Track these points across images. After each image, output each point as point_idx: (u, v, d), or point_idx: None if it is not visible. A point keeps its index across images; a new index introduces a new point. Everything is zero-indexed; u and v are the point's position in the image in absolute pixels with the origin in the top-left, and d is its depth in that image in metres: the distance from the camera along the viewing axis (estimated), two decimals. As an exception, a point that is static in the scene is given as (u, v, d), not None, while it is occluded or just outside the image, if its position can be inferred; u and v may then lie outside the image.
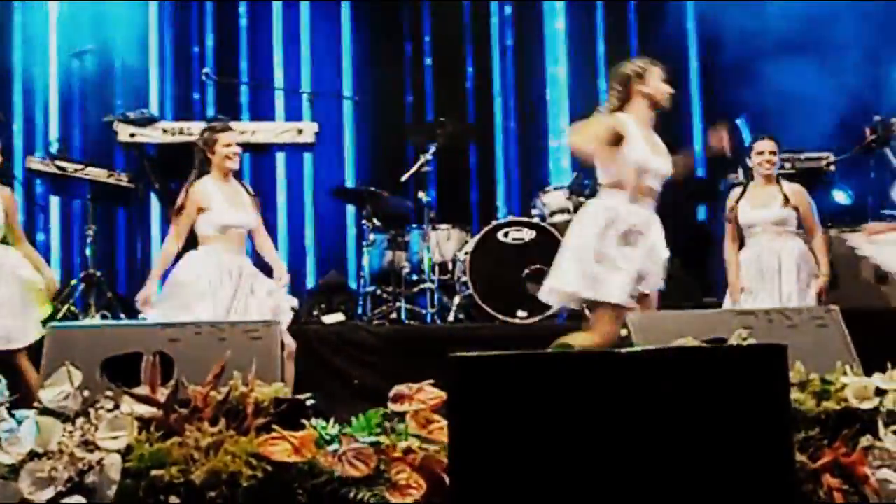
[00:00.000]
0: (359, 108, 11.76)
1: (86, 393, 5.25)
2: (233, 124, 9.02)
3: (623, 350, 4.13)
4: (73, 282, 9.65)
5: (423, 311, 9.60)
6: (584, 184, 9.86)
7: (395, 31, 12.23)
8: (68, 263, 11.44)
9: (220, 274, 7.55)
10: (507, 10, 12.27)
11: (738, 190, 8.57)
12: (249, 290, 7.57)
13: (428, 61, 12.20)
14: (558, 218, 9.63)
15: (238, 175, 8.00)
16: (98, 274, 9.46)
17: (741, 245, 8.43)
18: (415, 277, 9.74)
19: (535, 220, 9.64)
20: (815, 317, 5.91)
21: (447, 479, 4.74)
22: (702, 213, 11.70)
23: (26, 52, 11.76)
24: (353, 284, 10.38)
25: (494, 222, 9.62)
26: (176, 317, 7.42)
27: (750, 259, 8.34)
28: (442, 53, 12.17)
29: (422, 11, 12.21)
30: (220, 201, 7.67)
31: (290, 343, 7.42)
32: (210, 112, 11.32)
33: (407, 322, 9.44)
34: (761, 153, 8.45)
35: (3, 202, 7.67)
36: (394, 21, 12.21)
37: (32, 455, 4.87)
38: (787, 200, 8.31)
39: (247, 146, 9.13)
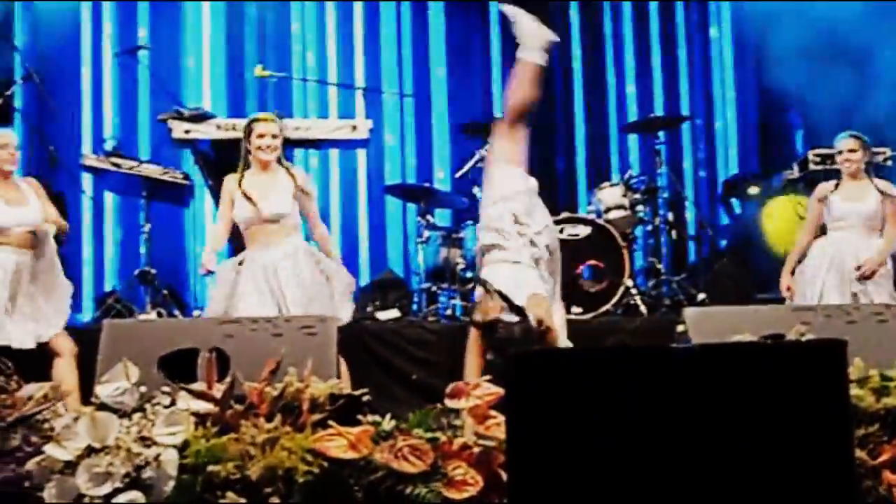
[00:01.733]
0: (413, 104, 11.74)
1: (142, 388, 5.28)
2: (288, 120, 9.08)
3: (680, 346, 4.10)
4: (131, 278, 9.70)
5: (478, 307, 9.57)
6: (640, 180, 9.83)
7: (452, 28, 12.19)
8: (123, 260, 11.49)
9: (247, 275, 7.57)
10: (557, 7, 12.22)
11: (829, 184, 8.54)
12: (282, 295, 7.52)
13: (486, 57, 12.17)
14: (613, 214, 9.61)
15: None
16: (153, 271, 9.49)
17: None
18: (470, 274, 9.71)
19: (591, 216, 9.60)
20: (875, 313, 5.87)
21: (504, 476, 4.73)
22: (737, 207, 11.59)
23: (82, 49, 11.82)
24: (407, 281, 10.37)
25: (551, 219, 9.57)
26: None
27: (827, 250, 8.32)
28: (499, 50, 12.13)
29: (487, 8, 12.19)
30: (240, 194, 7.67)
31: None
32: (264, 109, 11.32)
33: (462, 318, 9.42)
34: (840, 152, 8.48)
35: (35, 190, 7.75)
36: (452, 18, 12.19)
37: (89, 450, 4.89)
38: (882, 195, 8.32)
39: (301, 142, 9.15)
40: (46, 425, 5.09)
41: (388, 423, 5.10)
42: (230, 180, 7.75)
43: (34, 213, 7.58)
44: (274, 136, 7.73)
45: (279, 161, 7.82)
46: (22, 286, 7.47)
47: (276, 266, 7.50)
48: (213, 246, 7.79)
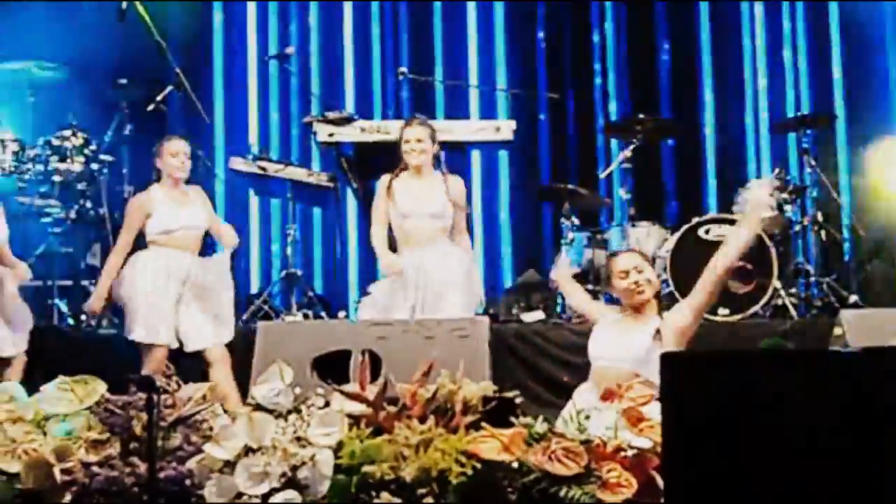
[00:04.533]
0: (555, 105, 11.69)
1: (297, 390, 5.35)
2: (432, 122, 9.12)
3: (839, 349, 4.04)
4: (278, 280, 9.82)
5: (622, 309, 9.51)
6: (787, 179, 9.69)
7: (595, 28, 12.13)
8: (268, 262, 11.63)
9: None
10: (704, 4, 12.07)
11: None
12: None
13: (625, 58, 12.08)
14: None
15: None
16: (298, 273, 9.59)
17: None
18: (615, 274, 9.66)
19: (738, 216, 9.47)
20: None
21: (659, 479, 4.70)
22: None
23: (226, 53, 11.99)
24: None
25: (696, 219, 9.47)
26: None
27: None
28: (638, 50, 12.03)
29: (619, 8, 12.09)
30: (400, 195, 7.87)
31: None
32: (406, 111, 11.38)
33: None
34: None
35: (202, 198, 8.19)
36: (593, 16, 12.13)
37: (247, 450, 4.97)
38: None
39: (443, 144, 9.16)
40: (205, 425, 5.18)
41: (540, 425, 5.10)
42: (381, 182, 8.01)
43: (199, 217, 8.01)
44: (419, 141, 7.88)
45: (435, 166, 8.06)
46: (191, 288, 7.81)
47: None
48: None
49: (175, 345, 7.70)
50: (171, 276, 7.76)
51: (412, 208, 7.82)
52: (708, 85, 11.94)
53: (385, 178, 8.01)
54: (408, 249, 7.83)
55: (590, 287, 9.62)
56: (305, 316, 9.25)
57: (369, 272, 11.40)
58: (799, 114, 10.63)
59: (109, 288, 7.87)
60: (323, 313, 9.45)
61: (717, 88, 11.95)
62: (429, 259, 7.75)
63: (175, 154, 7.96)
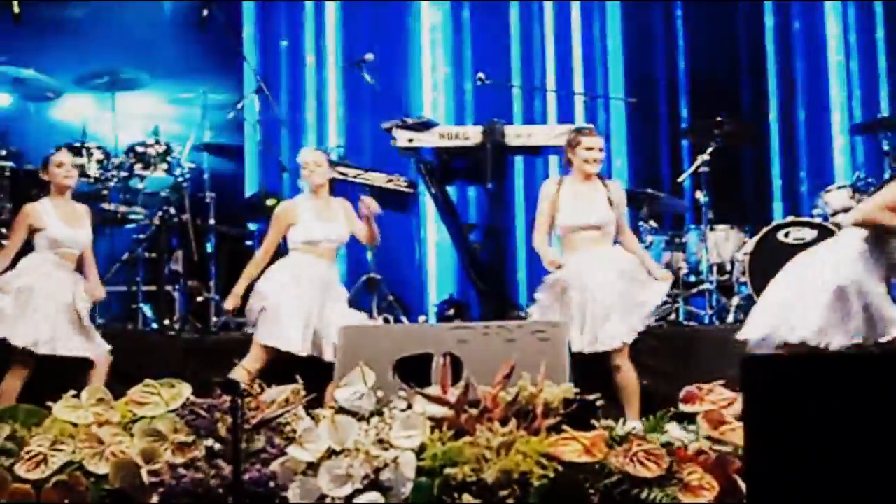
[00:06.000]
0: (633, 109, 11.67)
1: (379, 393, 5.40)
2: (508, 127, 9.12)
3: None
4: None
5: (702, 313, 9.48)
6: (868, 182, 9.61)
7: (669, 31, 12.10)
8: (348, 267, 11.68)
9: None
10: (781, 8, 11.99)
11: None
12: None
13: (701, 60, 12.03)
14: (841, 218, 9.38)
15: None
16: (378, 277, 9.63)
17: None
18: (693, 278, 9.62)
19: (817, 219, 9.41)
20: None
21: (740, 482, 4.70)
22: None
23: (303, 58, 12.08)
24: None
25: (775, 222, 9.43)
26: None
27: None
28: (714, 53, 11.98)
29: (700, 10, 12.04)
30: (565, 201, 7.77)
31: None
32: (485, 116, 11.39)
33: (685, 323, 9.34)
34: None
35: (345, 210, 8.12)
36: (668, 20, 12.09)
37: (330, 452, 5.03)
38: None
39: (521, 149, 9.17)
40: (289, 428, 5.25)
41: (621, 428, 5.12)
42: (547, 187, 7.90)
43: (341, 232, 8.00)
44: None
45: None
46: (328, 298, 7.73)
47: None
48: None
49: (305, 353, 7.35)
50: (312, 285, 7.70)
51: (580, 214, 7.66)
52: (787, 88, 11.88)
53: (550, 184, 7.89)
54: (573, 255, 7.62)
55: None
56: (386, 320, 9.29)
57: (449, 277, 11.48)
58: (880, 115, 10.55)
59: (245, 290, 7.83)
60: (403, 317, 9.50)
61: (797, 91, 11.88)
62: (594, 271, 7.50)
63: (305, 165, 8.05)
